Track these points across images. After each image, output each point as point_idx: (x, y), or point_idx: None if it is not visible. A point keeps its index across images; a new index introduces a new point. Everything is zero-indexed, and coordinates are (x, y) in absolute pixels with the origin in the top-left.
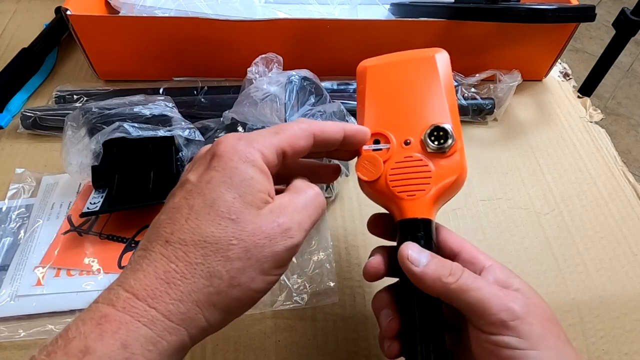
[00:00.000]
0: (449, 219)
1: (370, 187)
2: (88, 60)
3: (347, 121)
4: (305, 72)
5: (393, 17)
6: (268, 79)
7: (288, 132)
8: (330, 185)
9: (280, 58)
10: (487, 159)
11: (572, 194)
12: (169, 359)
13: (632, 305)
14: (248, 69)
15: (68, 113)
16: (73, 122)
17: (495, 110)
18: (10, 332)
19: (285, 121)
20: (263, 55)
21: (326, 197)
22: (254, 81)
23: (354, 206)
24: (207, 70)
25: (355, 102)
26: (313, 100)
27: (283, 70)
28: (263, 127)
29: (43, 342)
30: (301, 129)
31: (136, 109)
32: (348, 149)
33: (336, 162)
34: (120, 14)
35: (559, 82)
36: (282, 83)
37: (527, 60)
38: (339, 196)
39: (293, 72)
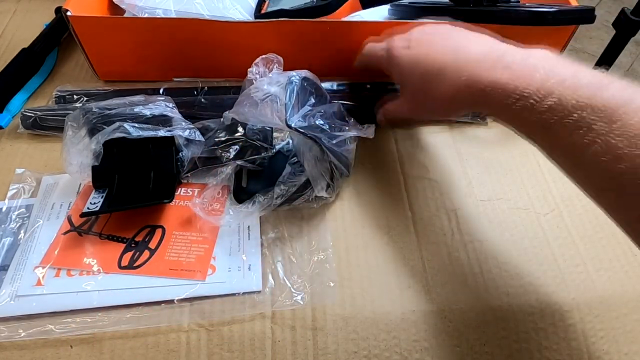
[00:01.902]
0: (449, 219)
1: None
2: (88, 60)
3: (347, 121)
4: (306, 73)
5: (393, 18)
6: (268, 80)
7: None
8: (330, 185)
9: (281, 58)
10: (487, 159)
11: (572, 194)
12: None
13: (632, 305)
14: (248, 70)
15: (68, 113)
16: (73, 122)
17: None
18: (10, 332)
19: (286, 122)
20: (263, 56)
21: (326, 197)
22: (254, 82)
23: (354, 206)
24: (208, 71)
25: (354, 103)
26: (313, 101)
27: (283, 70)
28: (263, 128)
29: (44, 342)
30: None
31: (136, 109)
32: None
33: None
34: (121, 15)
35: None
36: (283, 83)
37: None
38: (339, 196)
39: (293, 73)
